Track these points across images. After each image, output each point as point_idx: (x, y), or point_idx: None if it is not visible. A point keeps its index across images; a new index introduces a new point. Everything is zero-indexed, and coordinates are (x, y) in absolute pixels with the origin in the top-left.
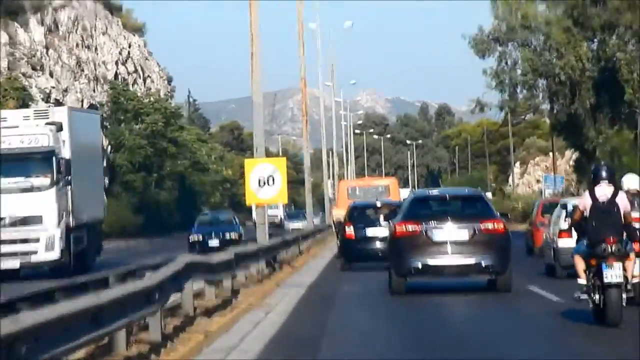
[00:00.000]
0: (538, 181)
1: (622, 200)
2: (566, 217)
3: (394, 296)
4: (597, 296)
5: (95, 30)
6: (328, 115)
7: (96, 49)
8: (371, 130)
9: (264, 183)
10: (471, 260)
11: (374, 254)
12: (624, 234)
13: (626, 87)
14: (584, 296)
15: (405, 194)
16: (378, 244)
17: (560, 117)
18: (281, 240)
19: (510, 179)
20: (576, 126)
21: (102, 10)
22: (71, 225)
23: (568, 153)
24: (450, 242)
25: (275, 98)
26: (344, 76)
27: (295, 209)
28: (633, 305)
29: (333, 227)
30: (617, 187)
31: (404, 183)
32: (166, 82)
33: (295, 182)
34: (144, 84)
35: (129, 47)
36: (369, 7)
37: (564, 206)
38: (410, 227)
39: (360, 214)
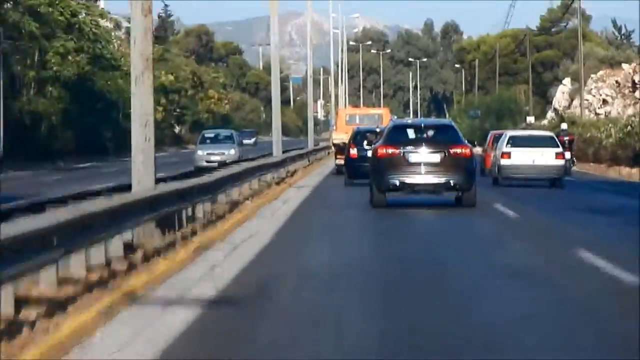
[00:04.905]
0: (605, 102)
1: None
2: (507, 144)
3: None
4: None
5: None
6: (326, 39)
7: None
8: (369, 43)
9: None
10: (441, 179)
11: None
12: None
13: None
14: None
15: None
16: None
17: None
18: None
19: (559, 100)
20: None
21: None
22: None
23: None
24: (423, 164)
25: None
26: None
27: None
28: None
29: (333, 149)
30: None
31: (404, 107)
32: None
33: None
34: None
35: None
36: None
37: (505, 135)
38: (390, 150)
39: (363, 138)
